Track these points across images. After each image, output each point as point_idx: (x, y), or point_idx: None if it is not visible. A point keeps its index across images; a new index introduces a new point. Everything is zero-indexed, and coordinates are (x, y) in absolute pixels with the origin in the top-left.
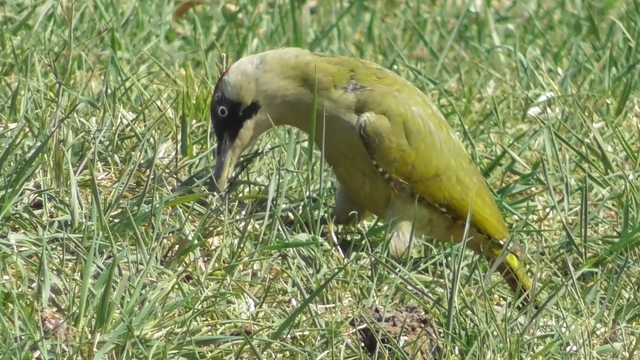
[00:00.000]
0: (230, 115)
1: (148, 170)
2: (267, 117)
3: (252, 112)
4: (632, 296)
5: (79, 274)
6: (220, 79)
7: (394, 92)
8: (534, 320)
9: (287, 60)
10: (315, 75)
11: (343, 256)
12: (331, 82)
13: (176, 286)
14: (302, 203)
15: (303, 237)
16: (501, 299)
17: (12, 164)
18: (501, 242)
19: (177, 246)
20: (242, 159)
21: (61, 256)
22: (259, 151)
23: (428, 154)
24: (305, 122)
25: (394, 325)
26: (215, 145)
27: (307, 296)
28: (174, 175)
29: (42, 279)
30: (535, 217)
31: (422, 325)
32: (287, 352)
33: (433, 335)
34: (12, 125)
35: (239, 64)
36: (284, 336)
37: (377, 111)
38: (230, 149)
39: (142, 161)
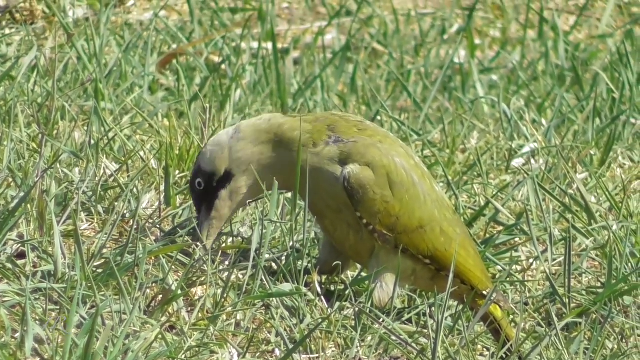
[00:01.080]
0: (206, 187)
1: (131, 221)
2: (244, 184)
3: (226, 182)
4: (616, 347)
5: (62, 324)
6: (199, 152)
7: (377, 144)
8: None
9: (259, 126)
10: (296, 132)
11: (327, 306)
12: (309, 139)
13: (160, 336)
14: (285, 253)
15: (287, 287)
16: (485, 349)
17: None
18: (484, 292)
19: (160, 296)
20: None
21: (44, 306)
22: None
23: (412, 206)
24: (285, 181)
25: None
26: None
27: (290, 346)
28: (157, 226)
29: (26, 329)
30: (519, 268)
31: None
32: None
33: None
34: None
35: (215, 136)
36: None
37: (361, 163)
38: (207, 221)
39: (125, 211)
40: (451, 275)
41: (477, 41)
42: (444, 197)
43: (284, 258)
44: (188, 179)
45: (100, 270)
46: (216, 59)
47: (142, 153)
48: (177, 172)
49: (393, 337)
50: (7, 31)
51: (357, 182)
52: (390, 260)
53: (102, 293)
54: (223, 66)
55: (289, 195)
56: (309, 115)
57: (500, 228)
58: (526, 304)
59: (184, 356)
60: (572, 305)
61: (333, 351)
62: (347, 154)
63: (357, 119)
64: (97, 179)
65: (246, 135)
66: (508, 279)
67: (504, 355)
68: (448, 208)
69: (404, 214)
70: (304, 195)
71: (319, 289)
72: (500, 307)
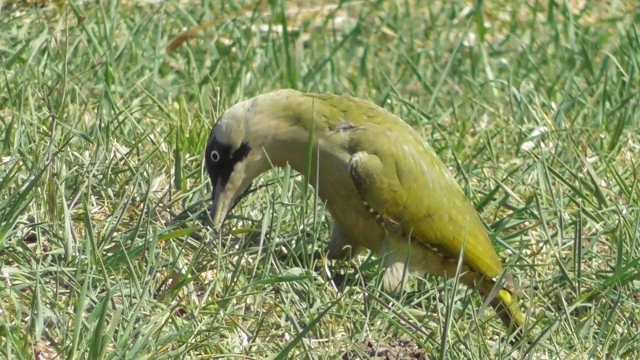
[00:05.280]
0: (222, 159)
1: (142, 204)
2: (260, 158)
3: (243, 155)
4: (625, 331)
5: (73, 307)
6: (215, 124)
7: (387, 132)
8: (527, 355)
9: (278, 102)
10: (312, 114)
11: (336, 290)
12: (325, 122)
13: (169, 320)
14: (295, 237)
15: (297, 271)
16: (494, 333)
17: (5, 197)
18: (494, 279)
19: (170, 280)
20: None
21: (55, 290)
22: (252, 187)
23: (420, 194)
24: (298, 161)
25: (387, 359)
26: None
27: (300, 330)
28: (168, 209)
29: (36, 312)
30: (528, 252)
31: (416, 359)
32: None
33: None
34: (5, 159)
35: (231, 108)
36: None
37: (369, 151)
38: (222, 193)
39: (135, 195)
40: (459, 264)
41: (486, 24)
42: (453, 183)
43: (294, 242)
44: (198, 162)
45: (110, 254)
46: (226, 41)
47: (152, 136)
48: (188, 155)
49: (402, 321)
50: (17, 14)
51: (364, 170)
52: (401, 246)
53: (112, 277)
54: (233, 49)
55: (300, 178)
56: (325, 97)
57: (510, 212)
58: (536, 288)
59: (193, 340)
60: (582, 289)
61: (342, 335)
62: (357, 141)
63: (370, 105)
64: (107, 162)
65: (263, 109)
66: (518, 263)
67: (514, 340)
68: (457, 194)
69: (412, 202)
70: (314, 181)
71: (328, 273)
72: (510, 292)
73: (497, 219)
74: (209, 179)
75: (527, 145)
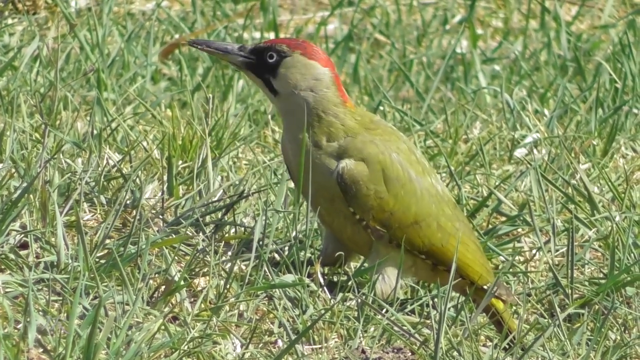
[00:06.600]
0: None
1: (134, 211)
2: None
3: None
4: (618, 337)
5: (65, 314)
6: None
7: (376, 140)
8: None
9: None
10: (305, 131)
11: (330, 297)
12: (340, 131)
13: (162, 327)
14: (288, 244)
15: (289, 278)
16: (487, 340)
17: None
18: (485, 287)
19: (163, 287)
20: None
21: (47, 297)
22: (245, 193)
23: (407, 201)
24: (292, 150)
25: None
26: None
27: (293, 337)
28: (160, 216)
29: (28, 319)
30: (521, 259)
31: None
32: None
33: None
34: None
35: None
36: None
37: (356, 158)
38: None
39: (128, 202)
40: (452, 270)
41: (479, 31)
42: (445, 192)
43: (286, 249)
44: (191, 169)
45: (103, 261)
46: None
47: (144, 143)
48: (180, 162)
49: (396, 328)
50: (9, 21)
51: (350, 177)
52: (390, 253)
53: (105, 284)
54: None
55: (291, 185)
56: (366, 114)
57: (503, 219)
58: (529, 294)
59: (186, 347)
60: (575, 296)
61: (336, 342)
62: (344, 148)
63: (370, 118)
64: (99, 169)
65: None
66: (510, 270)
67: (507, 346)
68: (448, 202)
69: (399, 209)
70: (306, 189)
71: (321, 280)
72: (502, 300)
73: (490, 226)
74: (201, 186)
75: (519, 152)
